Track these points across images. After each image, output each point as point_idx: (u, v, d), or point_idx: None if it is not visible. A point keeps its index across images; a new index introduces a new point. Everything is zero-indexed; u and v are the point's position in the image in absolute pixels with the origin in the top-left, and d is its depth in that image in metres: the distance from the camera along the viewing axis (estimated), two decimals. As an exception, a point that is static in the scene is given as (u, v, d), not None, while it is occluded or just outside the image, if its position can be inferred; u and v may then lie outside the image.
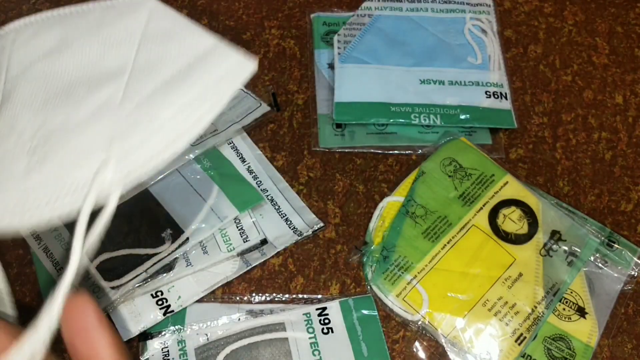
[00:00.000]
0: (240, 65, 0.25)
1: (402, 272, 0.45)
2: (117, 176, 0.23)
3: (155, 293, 0.44)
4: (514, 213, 0.48)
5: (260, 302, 0.45)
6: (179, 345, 0.42)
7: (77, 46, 0.27)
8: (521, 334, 0.43)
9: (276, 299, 0.45)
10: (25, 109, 0.26)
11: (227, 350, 0.42)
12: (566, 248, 0.46)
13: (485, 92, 0.54)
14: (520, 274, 0.45)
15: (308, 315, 0.44)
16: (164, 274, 0.44)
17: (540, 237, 0.47)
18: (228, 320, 0.43)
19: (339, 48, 0.55)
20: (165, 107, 0.24)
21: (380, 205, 0.49)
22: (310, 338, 0.43)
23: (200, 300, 0.44)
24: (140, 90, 0.25)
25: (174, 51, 0.26)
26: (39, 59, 0.28)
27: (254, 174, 0.50)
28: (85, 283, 0.43)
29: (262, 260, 0.46)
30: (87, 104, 0.25)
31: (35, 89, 0.26)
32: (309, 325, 0.43)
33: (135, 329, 0.42)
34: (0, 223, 0.24)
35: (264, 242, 0.46)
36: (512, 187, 0.49)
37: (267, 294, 0.45)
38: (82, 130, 0.24)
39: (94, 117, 0.24)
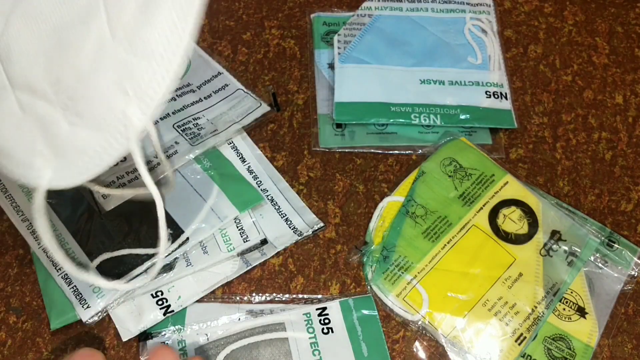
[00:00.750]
0: None
1: (402, 272, 0.45)
2: (141, 108, 0.26)
3: (155, 293, 0.44)
4: (514, 213, 0.48)
5: (260, 302, 0.45)
6: (179, 345, 0.42)
7: None
8: (521, 334, 0.43)
9: (276, 299, 0.45)
10: (32, 66, 0.28)
11: (227, 350, 0.42)
12: (566, 248, 0.46)
13: (485, 92, 0.54)
14: (520, 274, 0.45)
15: (308, 315, 0.44)
16: (164, 274, 0.44)
17: (540, 237, 0.47)
18: (228, 320, 0.43)
19: (339, 48, 0.55)
20: (152, 35, 0.26)
21: (380, 205, 0.49)
22: (310, 338, 0.43)
23: (200, 300, 0.44)
24: (122, 21, 0.26)
25: None
26: (12, 7, 0.29)
27: (254, 174, 0.50)
28: (84, 282, 0.43)
29: (262, 260, 0.46)
30: (84, 50, 0.27)
31: (29, 41, 0.28)
32: (309, 325, 0.43)
33: (135, 329, 0.42)
34: (74, 178, 0.28)
35: (264, 242, 0.46)
36: (512, 187, 0.49)
37: (267, 294, 0.45)
38: (94, 79, 0.27)
39: (96, 63, 0.27)
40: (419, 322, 0.44)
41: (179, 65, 0.26)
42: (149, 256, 0.44)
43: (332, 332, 0.43)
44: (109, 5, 0.27)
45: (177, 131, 0.49)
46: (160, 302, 0.43)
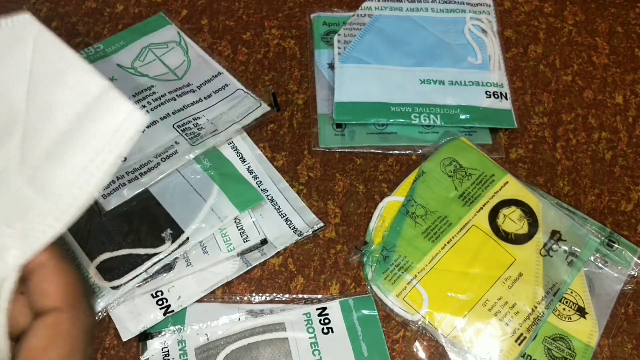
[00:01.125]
0: (130, 118, 0.24)
1: (402, 272, 0.45)
2: (18, 258, 0.25)
3: (155, 293, 0.44)
4: (514, 213, 0.48)
5: (260, 302, 0.45)
6: (179, 345, 0.42)
7: None
8: (521, 334, 0.43)
9: (276, 299, 0.45)
10: None
11: (227, 350, 0.42)
12: (566, 248, 0.46)
13: (485, 92, 0.54)
14: (520, 274, 0.45)
15: (308, 315, 0.44)
16: (164, 274, 0.44)
17: (540, 237, 0.47)
18: (228, 320, 0.43)
19: (339, 48, 0.55)
20: (59, 174, 0.24)
21: (380, 205, 0.49)
22: (310, 338, 0.43)
23: (200, 300, 0.44)
24: (35, 150, 0.25)
25: (63, 97, 0.25)
26: None
27: (254, 174, 0.50)
28: (85, 283, 0.43)
29: (262, 260, 0.46)
30: None
31: None
32: (309, 325, 0.43)
33: (135, 328, 0.42)
34: None
35: (264, 242, 0.46)
36: (512, 187, 0.49)
37: (267, 294, 0.45)
38: None
39: None
40: (419, 322, 0.44)
41: (75, 211, 0.24)
42: (149, 256, 0.44)
43: (332, 332, 0.43)
44: (28, 131, 0.25)
45: (177, 131, 0.49)
46: (160, 302, 0.43)
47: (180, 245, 0.44)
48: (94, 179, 0.24)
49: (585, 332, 0.44)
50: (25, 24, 0.26)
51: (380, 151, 0.52)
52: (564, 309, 0.45)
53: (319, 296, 0.46)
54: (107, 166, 0.24)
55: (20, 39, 0.26)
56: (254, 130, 0.52)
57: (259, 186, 0.49)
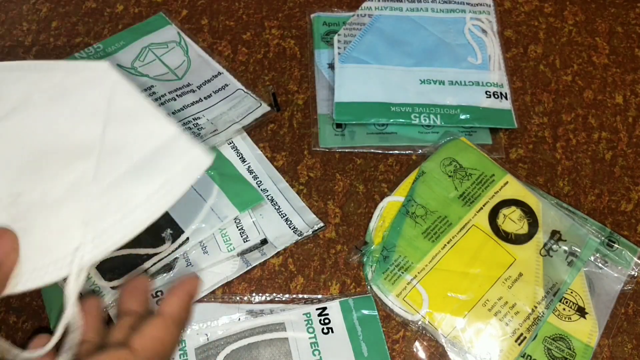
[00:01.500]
0: (199, 160, 0.28)
1: (402, 272, 0.45)
2: (92, 253, 0.28)
3: (156, 293, 0.44)
4: (514, 213, 0.48)
5: (260, 302, 0.45)
6: (178, 345, 0.42)
7: (44, 110, 0.30)
8: (521, 334, 0.43)
9: (276, 299, 0.45)
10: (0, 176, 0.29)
11: (227, 350, 0.42)
12: (566, 248, 0.46)
13: (485, 92, 0.54)
14: (520, 274, 0.45)
15: (308, 315, 0.44)
16: (164, 274, 0.44)
17: (541, 237, 0.47)
18: (228, 320, 0.43)
19: (339, 48, 0.55)
20: (133, 194, 0.28)
21: (381, 205, 0.49)
22: (310, 338, 0.43)
23: (200, 300, 0.44)
24: (110, 172, 0.28)
25: (139, 136, 0.29)
26: (5, 115, 0.30)
27: (254, 174, 0.50)
28: (85, 283, 0.43)
29: (262, 260, 0.46)
30: (62, 181, 0.29)
31: (6, 152, 0.29)
32: (309, 325, 0.43)
33: (135, 329, 0.42)
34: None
35: (264, 242, 0.46)
36: (512, 187, 0.49)
37: (267, 294, 0.45)
38: (60, 208, 0.28)
39: (69, 194, 0.28)
40: (419, 322, 0.44)
41: (137, 230, 0.27)
42: (149, 256, 0.44)
43: (332, 332, 0.43)
44: (103, 153, 0.28)
45: (177, 131, 0.49)
46: (160, 302, 0.43)
47: (180, 245, 0.44)
48: (157, 207, 0.28)
49: (585, 332, 0.44)
50: (105, 70, 0.31)
51: (380, 151, 0.52)
52: (564, 309, 0.45)
53: (319, 296, 0.46)
54: (172, 197, 0.28)
55: (99, 82, 0.30)
56: (254, 130, 0.52)
57: (259, 186, 0.49)
